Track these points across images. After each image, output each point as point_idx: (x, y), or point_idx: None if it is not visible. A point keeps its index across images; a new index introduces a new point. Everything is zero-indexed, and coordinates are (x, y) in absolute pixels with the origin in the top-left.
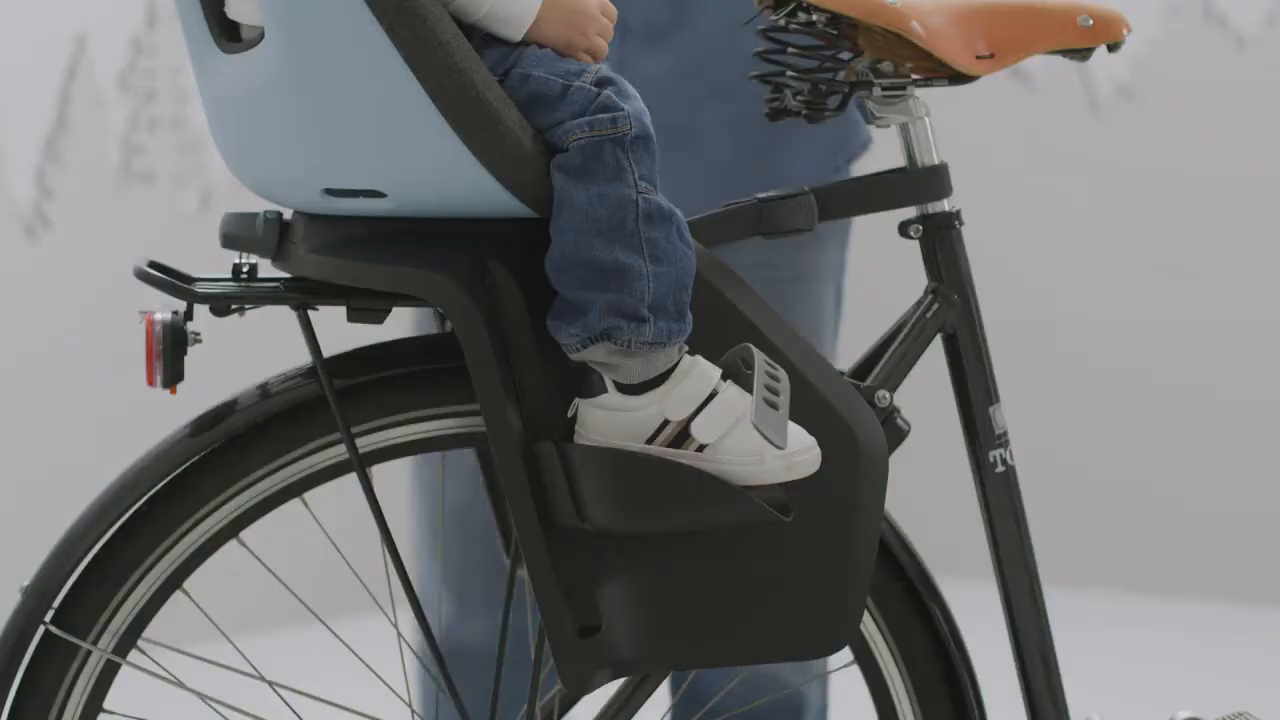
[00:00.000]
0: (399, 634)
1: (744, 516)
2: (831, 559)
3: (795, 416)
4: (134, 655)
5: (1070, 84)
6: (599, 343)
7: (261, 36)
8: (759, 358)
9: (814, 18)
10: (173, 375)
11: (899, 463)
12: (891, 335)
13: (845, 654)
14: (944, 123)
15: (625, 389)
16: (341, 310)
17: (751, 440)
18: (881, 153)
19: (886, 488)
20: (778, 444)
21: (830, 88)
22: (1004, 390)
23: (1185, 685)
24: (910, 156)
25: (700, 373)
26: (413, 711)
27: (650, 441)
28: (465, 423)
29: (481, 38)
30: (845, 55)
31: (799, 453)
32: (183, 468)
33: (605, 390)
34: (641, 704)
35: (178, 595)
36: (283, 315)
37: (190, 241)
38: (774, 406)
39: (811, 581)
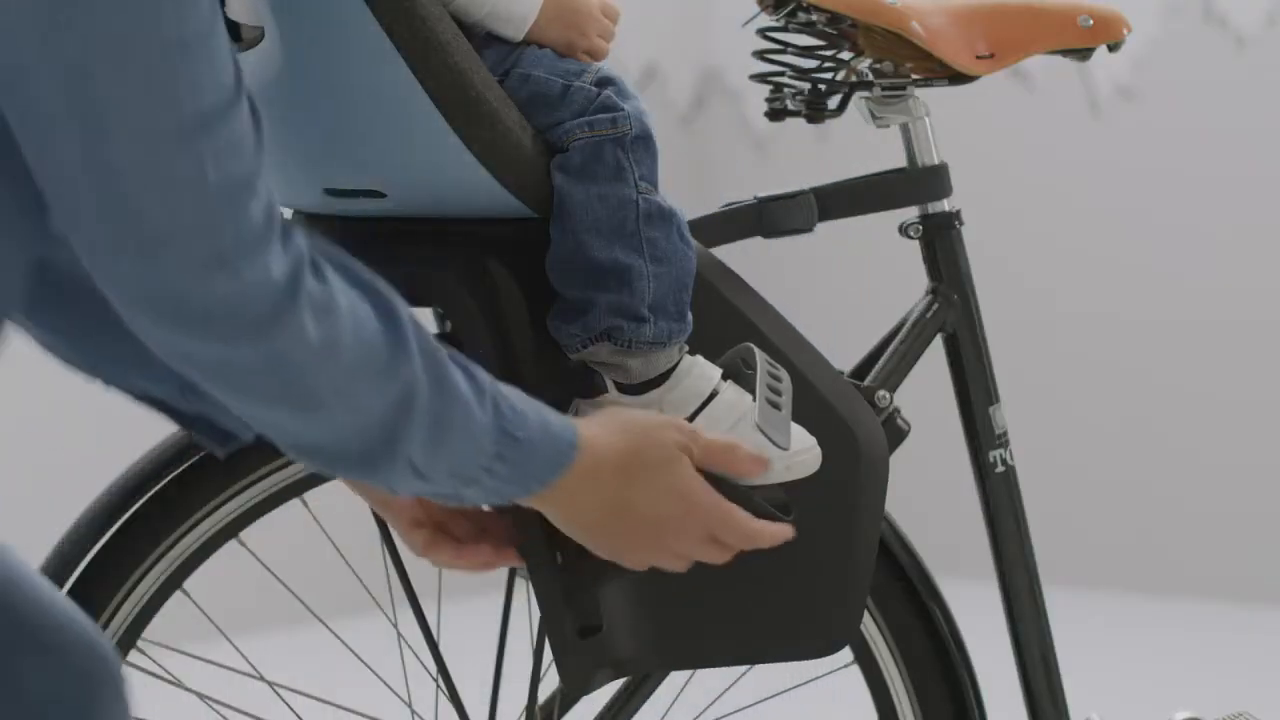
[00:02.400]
0: (399, 634)
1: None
2: (832, 559)
3: (796, 416)
4: (134, 655)
5: (1070, 84)
6: (600, 342)
7: (261, 36)
8: (760, 358)
9: (814, 18)
10: None
11: (899, 463)
12: (891, 335)
13: (845, 654)
14: (944, 123)
15: (625, 389)
16: None
17: (752, 440)
18: (882, 152)
19: (887, 488)
20: (781, 445)
21: (830, 88)
22: (1004, 390)
23: (1185, 685)
24: (910, 156)
25: (700, 372)
26: (412, 711)
27: None
28: None
29: (481, 38)
30: (845, 55)
31: (800, 453)
32: (183, 468)
33: (605, 390)
34: (642, 704)
35: (178, 595)
36: None
37: None
38: (776, 407)
39: (812, 581)
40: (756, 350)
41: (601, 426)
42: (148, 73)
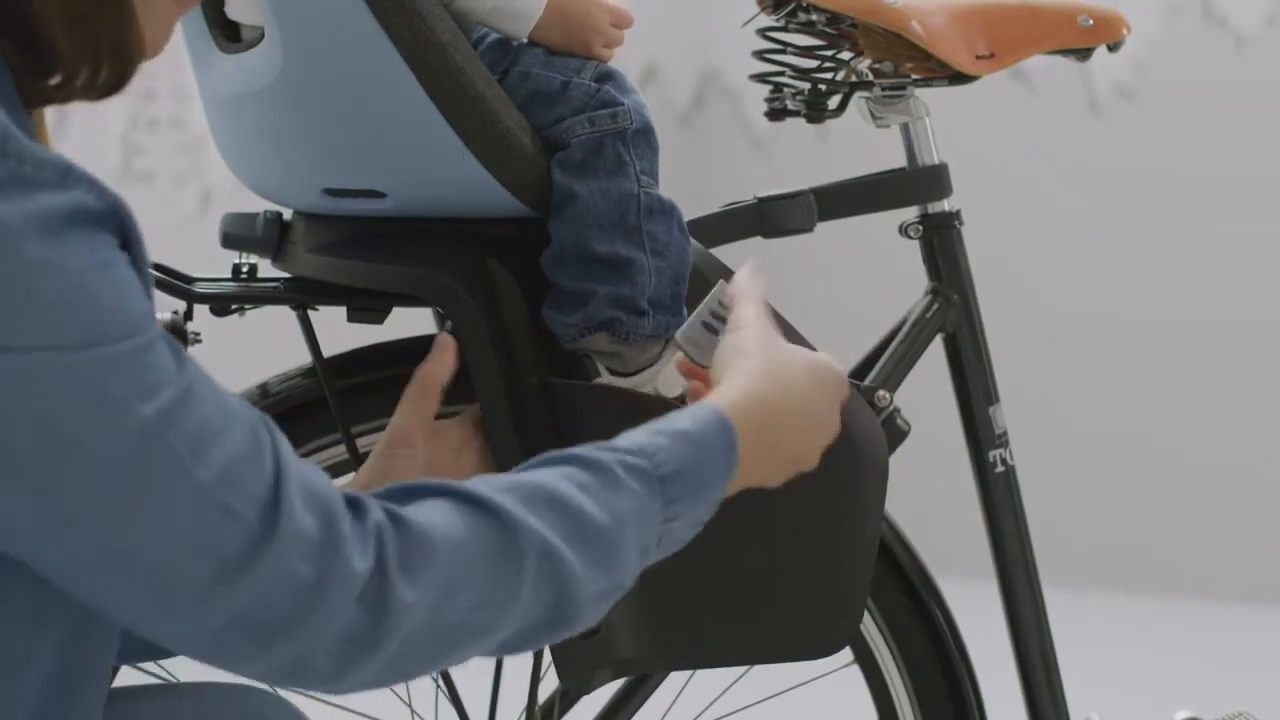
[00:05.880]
0: None
1: None
2: (832, 559)
3: None
4: None
5: (1070, 84)
6: (597, 333)
7: (262, 36)
8: (717, 287)
9: (813, 17)
10: None
11: (899, 463)
12: (891, 335)
13: (845, 654)
14: (944, 123)
15: (618, 373)
16: (341, 310)
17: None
18: (882, 152)
19: (887, 488)
20: (702, 363)
21: (830, 88)
22: (1003, 390)
23: (1185, 685)
24: (910, 156)
25: None
26: (412, 711)
27: None
28: None
29: (481, 38)
30: (845, 55)
31: None
32: None
33: (598, 374)
34: (641, 704)
35: None
36: (283, 315)
37: (190, 241)
38: (713, 331)
39: (812, 582)
40: (720, 283)
41: (736, 375)
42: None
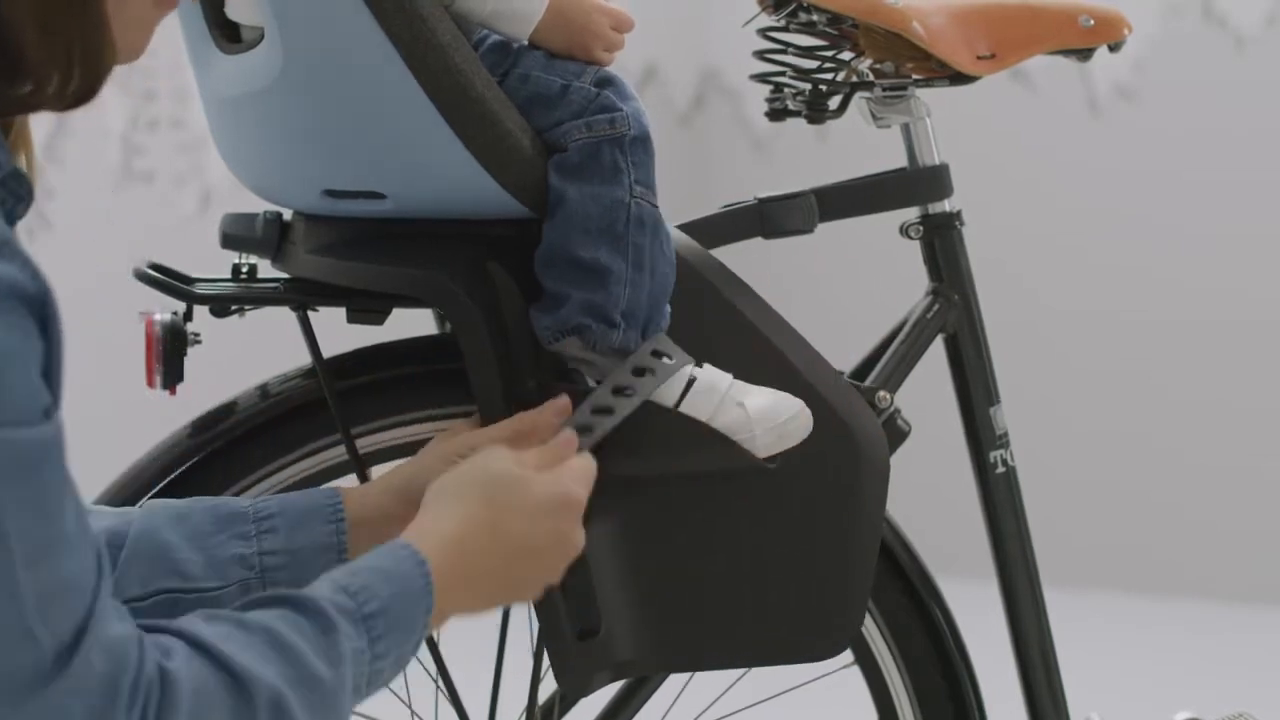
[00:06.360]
0: None
1: (726, 461)
2: (832, 560)
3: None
4: None
5: (1070, 84)
6: (570, 337)
7: (262, 37)
8: (617, 371)
9: (814, 18)
10: (173, 377)
11: (899, 463)
12: (892, 336)
13: (845, 654)
14: (944, 123)
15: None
16: (341, 311)
17: (737, 415)
18: (883, 153)
19: (887, 489)
20: (583, 447)
21: (831, 88)
22: (1004, 391)
23: (1185, 685)
24: (911, 157)
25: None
26: (412, 712)
27: None
28: None
29: (481, 40)
30: (846, 55)
31: (788, 420)
32: (182, 469)
33: (586, 384)
34: (641, 706)
35: None
36: (283, 315)
37: (190, 241)
38: (606, 413)
39: (812, 583)
40: (621, 369)
41: (437, 507)
42: None
